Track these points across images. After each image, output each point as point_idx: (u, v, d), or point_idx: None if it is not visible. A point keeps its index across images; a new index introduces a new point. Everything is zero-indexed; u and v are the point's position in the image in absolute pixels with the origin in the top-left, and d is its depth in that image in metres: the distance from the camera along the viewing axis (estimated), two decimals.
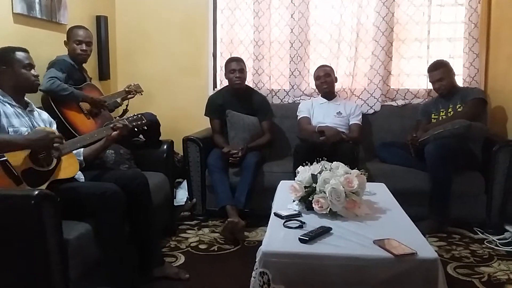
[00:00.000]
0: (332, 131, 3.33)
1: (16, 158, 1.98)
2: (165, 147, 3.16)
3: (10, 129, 2.09)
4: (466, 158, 3.19)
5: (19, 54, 2.21)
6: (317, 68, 3.69)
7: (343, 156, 2.75)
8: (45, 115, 2.39)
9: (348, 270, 1.70)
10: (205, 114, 3.66)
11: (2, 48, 2.25)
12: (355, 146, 3.35)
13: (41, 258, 1.76)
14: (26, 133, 2.13)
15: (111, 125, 2.38)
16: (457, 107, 3.31)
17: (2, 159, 1.93)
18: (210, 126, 3.68)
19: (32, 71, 2.25)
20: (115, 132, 2.37)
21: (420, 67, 3.82)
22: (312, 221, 2.02)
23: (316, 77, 3.65)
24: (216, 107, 3.61)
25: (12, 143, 1.97)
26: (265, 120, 3.63)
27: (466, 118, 3.14)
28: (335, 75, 3.69)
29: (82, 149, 2.39)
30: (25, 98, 2.29)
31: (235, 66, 3.54)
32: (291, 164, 3.17)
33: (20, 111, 2.21)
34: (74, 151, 2.35)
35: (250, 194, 3.19)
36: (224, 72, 3.71)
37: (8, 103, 2.17)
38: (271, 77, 4.01)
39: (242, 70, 3.56)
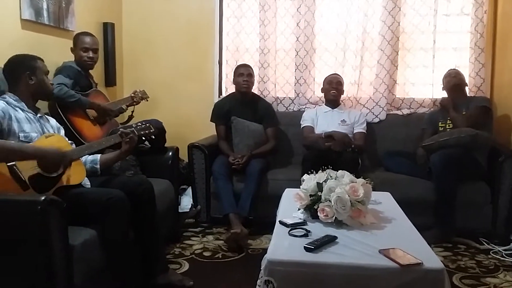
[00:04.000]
0: (341, 135, 3.33)
1: (24, 164, 1.98)
2: (170, 153, 3.16)
3: (21, 134, 2.11)
4: (472, 168, 3.18)
5: (40, 62, 2.29)
6: (330, 74, 3.71)
7: (344, 164, 2.74)
8: (53, 121, 2.41)
9: (353, 280, 1.69)
10: (211, 120, 3.68)
11: (22, 54, 2.29)
12: (358, 154, 3.34)
13: (46, 263, 1.76)
14: (37, 139, 2.14)
15: (119, 133, 2.38)
16: (463, 114, 3.32)
17: (10, 163, 1.94)
18: (215, 133, 3.69)
19: (48, 79, 2.34)
20: (127, 146, 2.37)
21: (425, 76, 3.83)
22: (317, 230, 2.01)
23: (328, 82, 3.65)
24: (222, 113, 3.62)
25: (21, 152, 1.96)
26: (270, 127, 3.63)
27: (468, 124, 3.16)
28: (344, 88, 3.71)
29: (99, 156, 2.41)
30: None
31: (244, 71, 3.58)
32: (295, 172, 3.16)
33: (32, 117, 2.22)
34: (91, 158, 2.38)
35: (254, 201, 3.18)
36: (230, 79, 3.75)
37: (20, 109, 2.19)
38: (276, 85, 4.02)
39: (250, 75, 3.59)
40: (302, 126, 3.66)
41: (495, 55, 3.72)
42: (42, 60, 2.31)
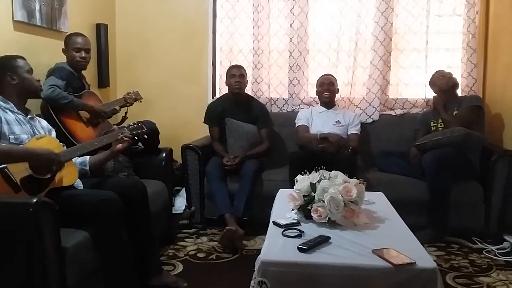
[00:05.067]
0: (336, 137, 3.33)
1: (16, 166, 1.97)
2: (164, 155, 3.16)
3: (11, 136, 2.10)
4: (465, 168, 3.20)
5: (20, 61, 2.26)
6: (322, 75, 3.71)
7: (342, 165, 2.75)
8: (44, 123, 2.40)
9: (347, 280, 1.70)
10: (204, 122, 3.67)
11: (2, 56, 2.27)
12: (354, 155, 3.35)
13: (38, 266, 1.75)
14: (27, 140, 2.13)
15: (115, 137, 2.38)
16: (454, 114, 3.34)
17: (1, 166, 1.92)
18: (209, 134, 3.69)
19: (34, 76, 2.30)
20: (120, 145, 2.37)
21: (418, 76, 3.84)
22: (311, 230, 2.02)
23: (320, 84, 3.67)
24: (216, 114, 3.62)
25: (12, 154, 1.94)
26: (264, 128, 3.63)
27: (460, 123, 3.17)
28: (337, 87, 3.71)
29: (88, 158, 2.40)
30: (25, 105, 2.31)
31: (236, 72, 3.57)
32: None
33: (22, 118, 2.21)
34: (80, 160, 2.37)
35: (248, 202, 3.18)
36: (223, 80, 3.76)
37: (10, 110, 2.18)
38: (270, 86, 4.02)
39: (243, 76, 3.59)
40: (296, 125, 3.67)
41: (487, 55, 3.75)
42: (23, 58, 2.29)
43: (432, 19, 3.78)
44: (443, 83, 3.43)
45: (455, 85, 3.45)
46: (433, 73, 3.54)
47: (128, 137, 2.38)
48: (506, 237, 3.05)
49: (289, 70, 3.97)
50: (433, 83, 3.52)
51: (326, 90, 3.62)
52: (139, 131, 2.49)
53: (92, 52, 3.20)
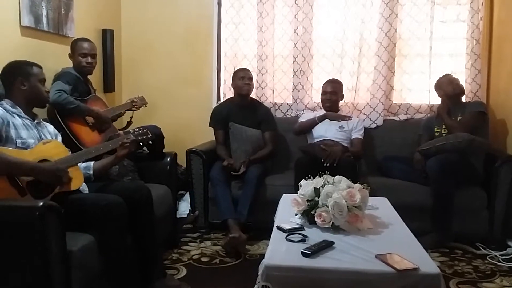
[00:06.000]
0: (335, 149, 3.27)
1: None
2: (168, 159, 3.17)
3: (19, 141, 2.12)
4: (468, 173, 3.19)
5: (36, 69, 2.28)
6: (327, 81, 3.71)
7: (344, 171, 2.75)
8: (51, 127, 2.42)
9: (350, 285, 1.70)
10: (209, 125, 3.69)
11: (19, 60, 2.30)
12: (356, 161, 3.35)
13: (44, 269, 1.76)
14: (34, 145, 2.15)
15: (119, 142, 2.40)
16: (458, 119, 3.34)
17: None
18: (213, 139, 3.70)
19: (45, 87, 2.32)
20: (124, 151, 2.39)
21: (422, 82, 3.85)
22: (315, 235, 2.02)
23: (323, 92, 3.68)
24: (221, 117, 3.63)
25: (19, 168, 1.95)
26: (268, 131, 3.64)
27: (464, 129, 3.17)
28: (342, 93, 3.72)
29: (92, 163, 2.41)
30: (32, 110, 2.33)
31: (244, 74, 3.61)
32: (293, 177, 3.17)
33: (29, 123, 2.24)
34: (84, 165, 2.38)
35: (252, 206, 3.19)
36: (228, 85, 3.78)
37: (17, 115, 2.20)
38: (274, 91, 4.04)
39: (251, 79, 3.63)
40: (299, 121, 3.71)
41: (491, 61, 3.75)
42: (40, 67, 2.31)
43: (436, 25, 3.79)
44: (449, 90, 3.42)
45: (461, 92, 3.45)
46: (441, 76, 3.54)
47: (132, 143, 2.40)
48: (510, 243, 3.05)
49: (293, 76, 3.98)
50: (439, 87, 3.51)
51: (327, 100, 3.65)
52: (144, 136, 2.51)
53: (98, 57, 3.22)
